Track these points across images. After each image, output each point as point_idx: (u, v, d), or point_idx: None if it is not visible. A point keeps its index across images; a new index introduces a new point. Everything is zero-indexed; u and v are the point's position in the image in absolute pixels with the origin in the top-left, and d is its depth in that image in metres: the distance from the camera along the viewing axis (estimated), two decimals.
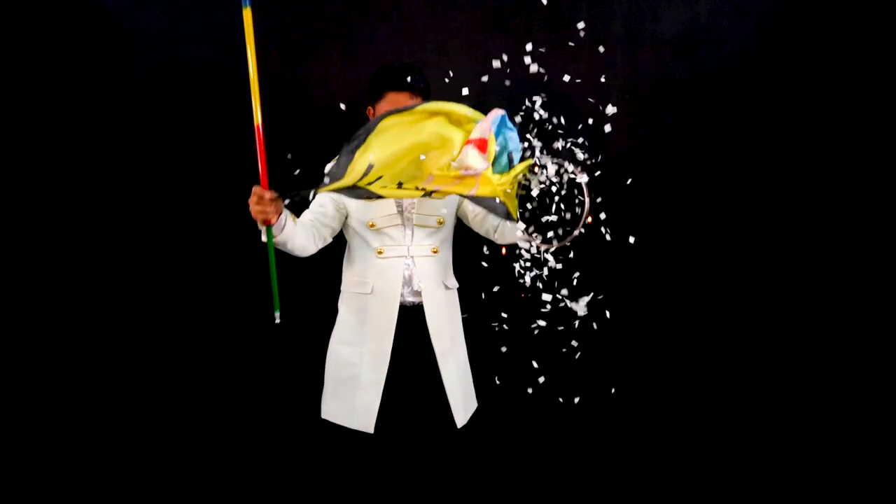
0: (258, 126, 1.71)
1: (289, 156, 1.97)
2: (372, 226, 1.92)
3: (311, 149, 2.47)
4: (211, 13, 2.42)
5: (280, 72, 2.47)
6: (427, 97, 1.92)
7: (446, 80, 2.10)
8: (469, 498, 2.08)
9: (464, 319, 2.02)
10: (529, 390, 1.90)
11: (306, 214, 1.97)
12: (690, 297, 2.48)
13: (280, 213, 1.72)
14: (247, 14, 1.64)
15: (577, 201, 1.73)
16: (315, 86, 2.48)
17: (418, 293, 1.90)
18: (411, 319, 1.90)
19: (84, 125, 2.44)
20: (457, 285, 2.02)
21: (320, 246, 1.93)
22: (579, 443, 2.48)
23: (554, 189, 1.71)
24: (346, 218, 1.96)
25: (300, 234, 1.83)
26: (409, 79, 1.89)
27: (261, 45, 2.45)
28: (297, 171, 1.91)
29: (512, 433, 2.47)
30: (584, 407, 2.20)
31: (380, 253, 1.91)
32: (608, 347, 2.47)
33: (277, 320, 1.82)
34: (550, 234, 1.76)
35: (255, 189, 1.69)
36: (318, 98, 2.48)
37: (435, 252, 1.94)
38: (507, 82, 1.94)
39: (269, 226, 1.72)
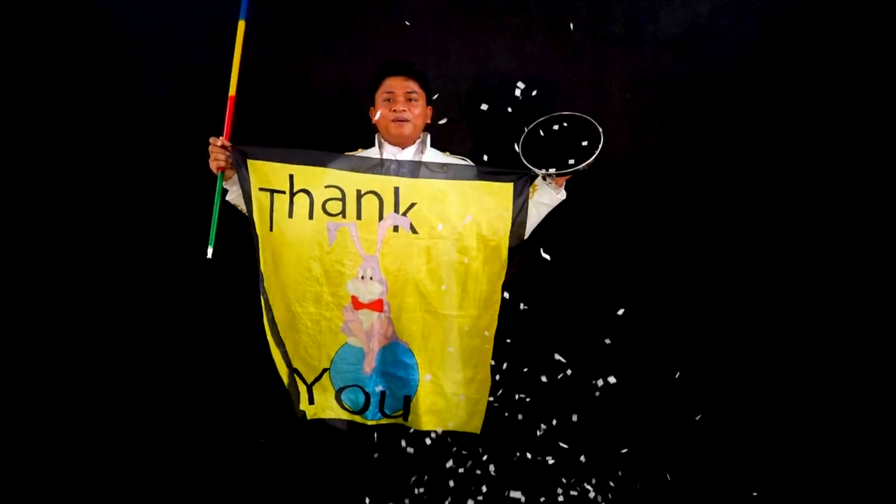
0: (231, 96, 2.01)
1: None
2: None
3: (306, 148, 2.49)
4: (211, 13, 2.42)
5: (280, 72, 2.48)
6: (425, 84, 2.07)
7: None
8: None
9: None
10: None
11: None
12: (689, 298, 2.48)
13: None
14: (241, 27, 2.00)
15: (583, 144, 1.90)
16: (315, 85, 2.48)
17: None
18: None
19: (84, 125, 2.44)
20: None
21: None
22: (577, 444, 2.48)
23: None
24: None
25: None
26: (405, 63, 2.07)
27: (261, 45, 2.47)
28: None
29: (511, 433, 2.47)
30: (581, 408, 2.20)
31: None
32: (607, 349, 2.47)
33: (209, 255, 1.95)
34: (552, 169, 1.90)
35: (211, 138, 1.95)
36: (319, 98, 2.48)
37: None
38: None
39: (221, 172, 1.96)
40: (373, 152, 2.06)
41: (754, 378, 2.47)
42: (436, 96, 2.18)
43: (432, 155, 2.05)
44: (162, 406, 2.52)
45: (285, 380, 2.04)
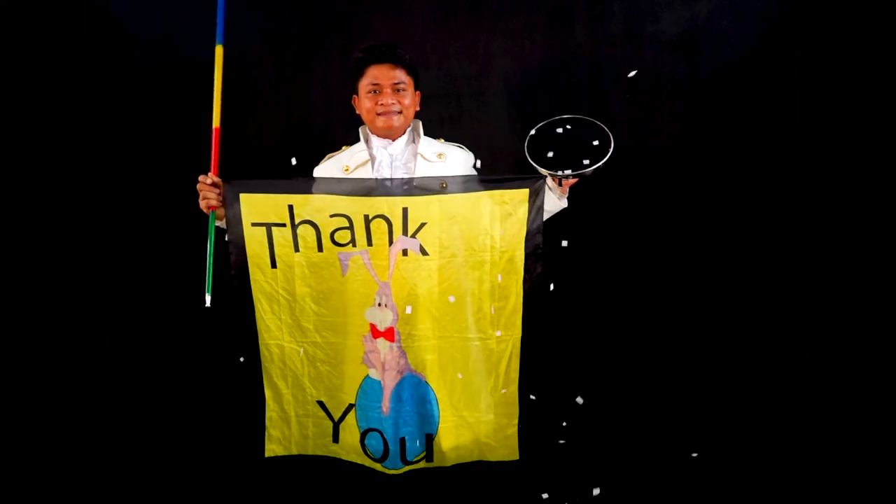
0: (216, 128, 1.88)
1: (293, 161, 2.00)
2: None
3: (308, 149, 2.48)
4: (211, 13, 2.42)
5: (280, 72, 2.48)
6: (412, 70, 1.90)
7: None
8: None
9: None
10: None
11: None
12: (689, 298, 2.48)
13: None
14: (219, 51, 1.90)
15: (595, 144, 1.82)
16: (315, 86, 2.48)
17: None
18: None
19: (84, 125, 2.44)
20: None
21: None
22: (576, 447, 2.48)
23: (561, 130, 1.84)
24: None
25: None
26: (389, 49, 1.86)
27: (261, 45, 2.48)
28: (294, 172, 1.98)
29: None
30: (581, 407, 2.20)
31: None
32: (606, 349, 2.47)
33: (208, 304, 1.82)
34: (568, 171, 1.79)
35: (200, 176, 1.82)
36: (318, 98, 2.48)
37: None
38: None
39: (212, 211, 1.82)
40: (359, 147, 1.94)
41: (754, 377, 2.47)
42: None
43: (426, 143, 1.94)
44: (161, 408, 2.52)
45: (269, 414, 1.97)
